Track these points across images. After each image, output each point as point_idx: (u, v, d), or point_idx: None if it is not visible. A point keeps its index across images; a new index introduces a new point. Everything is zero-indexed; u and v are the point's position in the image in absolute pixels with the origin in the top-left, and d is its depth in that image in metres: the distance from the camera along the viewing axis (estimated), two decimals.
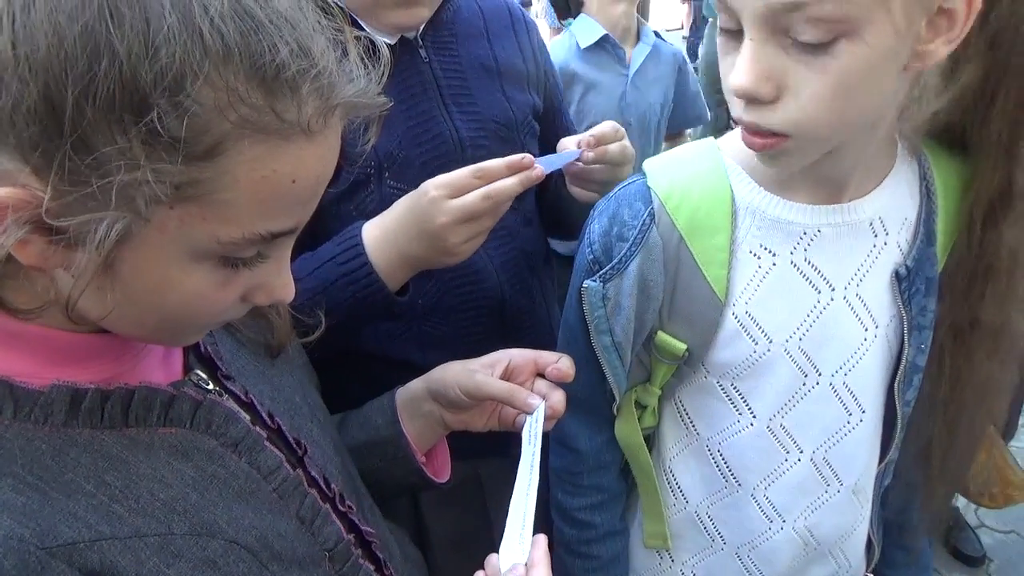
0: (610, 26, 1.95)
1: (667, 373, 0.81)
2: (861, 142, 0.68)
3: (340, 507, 0.63)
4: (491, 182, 0.79)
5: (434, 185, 0.80)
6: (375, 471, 0.76)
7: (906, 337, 0.77)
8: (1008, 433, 1.65)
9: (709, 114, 2.52)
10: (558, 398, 0.75)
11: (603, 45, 1.96)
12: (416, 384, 0.79)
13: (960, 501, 1.93)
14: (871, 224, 0.74)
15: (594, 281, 0.76)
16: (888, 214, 0.74)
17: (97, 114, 0.38)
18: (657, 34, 2.07)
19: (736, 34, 0.61)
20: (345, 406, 0.84)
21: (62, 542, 0.43)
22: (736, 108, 0.64)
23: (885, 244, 0.74)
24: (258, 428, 0.58)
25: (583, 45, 1.95)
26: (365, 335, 0.97)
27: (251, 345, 0.66)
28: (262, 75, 0.41)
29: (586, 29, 1.97)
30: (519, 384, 0.75)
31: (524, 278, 1.04)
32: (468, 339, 0.87)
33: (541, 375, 0.77)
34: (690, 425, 0.84)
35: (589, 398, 0.86)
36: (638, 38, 2.02)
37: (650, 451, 0.88)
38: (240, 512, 0.53)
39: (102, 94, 0.38)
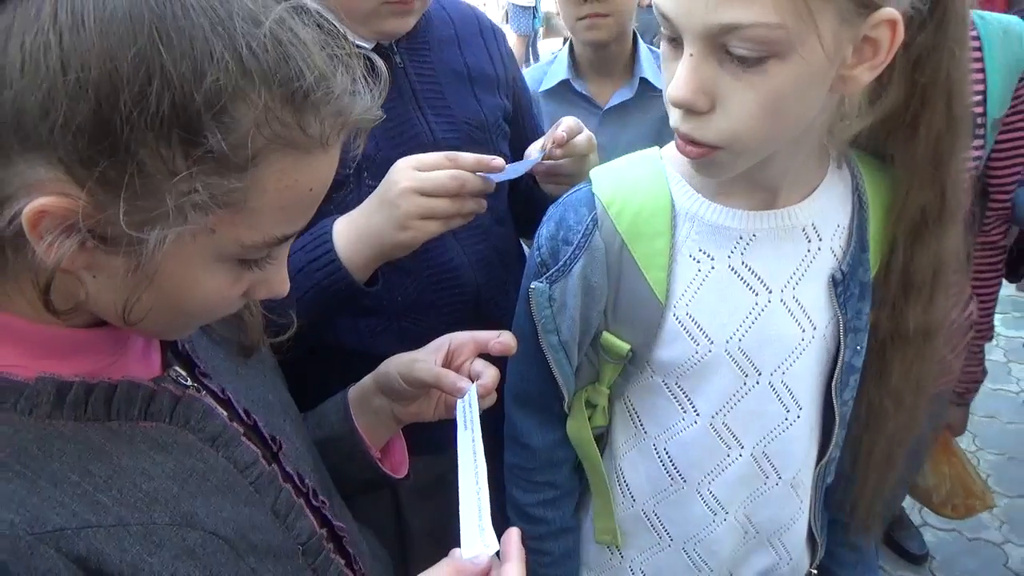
0: (581, 63, 1.65)
1: (614, 373, 0.84)
2: (788, 152, 0.72)
3: (314, 502, 0.65)
4: (460, 168, 0.82)
5: (406, 159, 0.83)
6: (333, 468, 0.77)
7: (842, 339, 0.81)
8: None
9: None
10: (491, 374, 0.76)
11: (565, 87, 1.66)
12: (366, 380, 0.81)
13: (906, 500, 1.99)
14: (804, 230, 0.78)
15: (541, 282, 0.79)
16: (821, 220, 0.78)
17: (149, 132, 0.42)
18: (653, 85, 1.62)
19: (678, 44, 0.64)
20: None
21: (50, 528, 0.45)
22: (674, 117, 0.67)
23: (819, 249, 0.79)
24: (235, 424, 0.60)
25: (541, 88, 1.66)
26: (345, 332, 0.99)
27: (225, 344, 0.68)
28: (292, 97, 0.46)
29: (558, 66, 1.67)
30: (459, 364, 0.78)
31: (498, 275, 1.07)
32: (443, 332, 0.90)
33: (482, 355, 0.78)
34: (639, 424, 0.87)
35: (541, 396, 0.89)
36: (632, 74, 1.63)
37: (603, 449, 0.91)
38: (218, 505, 0.55)
39: (154, 113, 0.41)
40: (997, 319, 3.05)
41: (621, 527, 0.92)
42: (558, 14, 1.77)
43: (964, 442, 2.54)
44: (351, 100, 0.49)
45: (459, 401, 0.73)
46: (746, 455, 0.84)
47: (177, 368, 0.59)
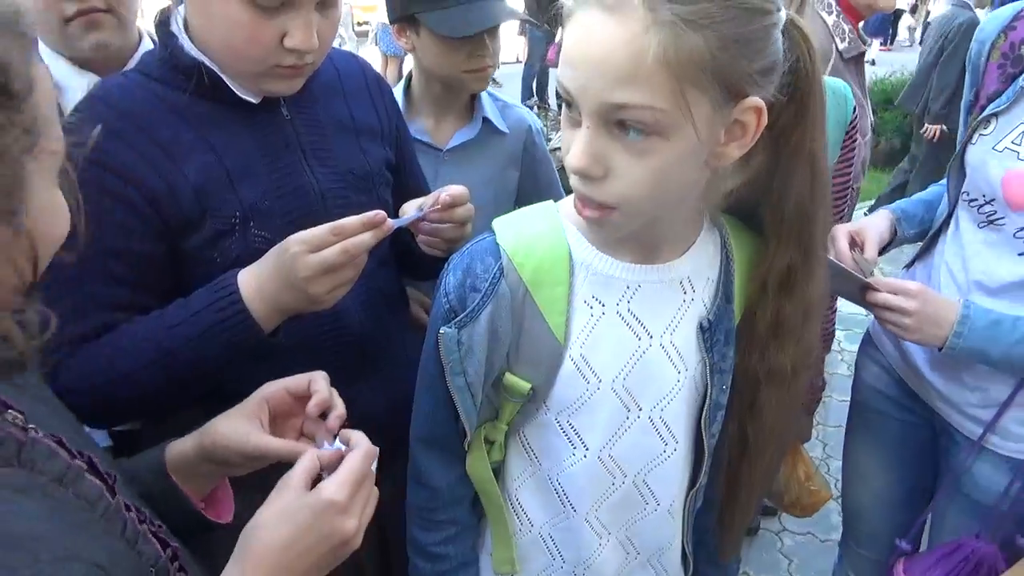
0: (420, 100, 1.58)
1: (513, 410, 0.90)
2: (670, 215, 0.83)
3: (151, 527, 0.66)
4: (347, 237, 0.86)
5: (295, 241, 0.86)
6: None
7: (709, 379, 0.91)
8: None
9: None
10: (334, 418, 0.77)
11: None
12: (187, 448, 0.79)
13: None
14: (681, 282, 0.88)
15: (450, 328, 0.84)
16: (695, 274, 0.88)
17: None
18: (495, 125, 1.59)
19: (575, 112, 0.72)
20: None
21: None
22: (573, 179, 0.75)
23: (692, 300, 0.89)
24: (77, 460, 0.61)
25: None
26: (228, 373, 0.97)
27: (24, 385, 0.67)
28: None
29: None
30: (284, 415, 0.80)
31: (382, 315, 1.10)
32: (329, 373, 0.91)
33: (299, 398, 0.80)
34: (533, 458, 0.94)
35: (444, 436, 0.93)
36: (472, 112, 1.59)
37: (498, 482, 0.96)
38: (85, 539, 0.55)
39: None
40: (841, 334, 3.38)
41: (519, 552, 0.97)
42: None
43: (815, 450, 2.81)
44: None
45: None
46: (628, 483, 0.92)
47: (13, 411, 0.58)
